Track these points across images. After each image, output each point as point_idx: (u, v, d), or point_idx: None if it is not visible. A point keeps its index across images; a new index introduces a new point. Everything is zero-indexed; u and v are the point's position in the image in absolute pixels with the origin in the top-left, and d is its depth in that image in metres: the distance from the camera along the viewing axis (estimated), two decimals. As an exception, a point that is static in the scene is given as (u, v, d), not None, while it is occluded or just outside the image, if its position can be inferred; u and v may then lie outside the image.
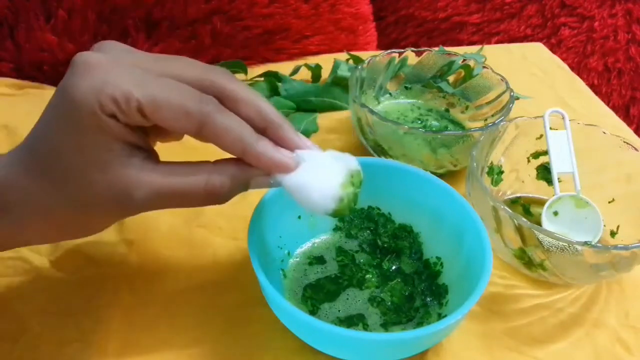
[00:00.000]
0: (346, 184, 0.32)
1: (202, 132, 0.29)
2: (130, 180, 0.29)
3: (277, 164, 0.31)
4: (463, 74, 0.63)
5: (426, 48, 0.63)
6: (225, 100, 0.30)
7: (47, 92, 0.61)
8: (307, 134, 0.61)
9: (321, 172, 0.32)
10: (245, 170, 0.31)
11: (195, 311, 0.42)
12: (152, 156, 0.31)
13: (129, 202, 0.30)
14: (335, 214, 0.33)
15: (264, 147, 0.31)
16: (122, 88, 0.27)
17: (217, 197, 0.31)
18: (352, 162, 0.34)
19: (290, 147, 0.32)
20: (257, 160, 0.30)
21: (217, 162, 0.32)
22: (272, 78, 0.67)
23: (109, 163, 0.29)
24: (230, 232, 0.48)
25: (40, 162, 0.29)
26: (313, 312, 0.41)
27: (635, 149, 0.48)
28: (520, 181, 0.53)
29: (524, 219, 0.41)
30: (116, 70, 0.28)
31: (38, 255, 0.45)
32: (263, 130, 0.32)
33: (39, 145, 0.30)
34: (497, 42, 0.94)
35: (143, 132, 0.30)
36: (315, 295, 0.42)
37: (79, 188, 0.29)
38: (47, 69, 0.68)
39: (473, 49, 0.79)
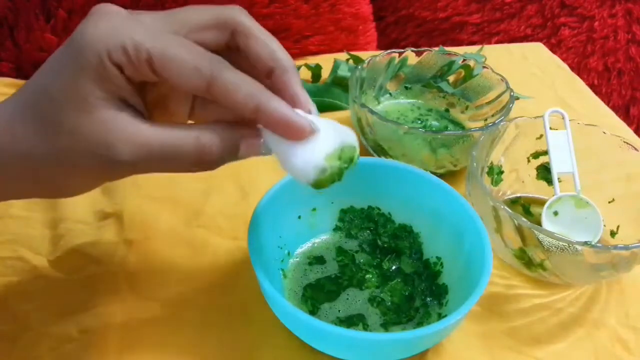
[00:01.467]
0: (332, 157, 0.30)
1: (212, 88, 0.28)
2: (114, 130, 0.27)
3: (292, 123, 0.29)
4: (463, 74, 0.63)
5: (426, 48, 0.63)
6: (237, 36, 0.30)
7: (47, 92, 0.61)
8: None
9: (314, 141, 0.30)
10: (235, 130, 0.30)
11: (195, 310, 0.42)
12: (145, 114, 0.30)
13: (110, 155, 0.28)
14: (316, 184, 0.31)
15: (280, 105, 0.29)
16: (134, 38, 0.27)
17: (207, 157, 0.29)
18: (348, 137, 0.32)
19: (291, 97, 0.31)
20: (271, 115, 0.29)
21: (207, 122, 0.30)
22: (272, 78, 0.67)
23: (98, 110, 0.27)
24: (230, 232, 0.48)
25: (30, 103, 0.28)
26: (313, 312, 0.41)
27: (635, 149, 0.48)
28: (520, 181, 0.53)
29: (524, 219, 0.41)
30: (132, 22, 0.28)
31: (37, 255, 0.45)
32: (268, 73, 0.31)
33: (33, 86, 0.29)
34: (497, 42, 0.94)
35: (144, 99, 0.30)
36: (315, 295, 0.42)
37: (62, 134, 0.28)
38: (47, 69, 0.68)
39: (473, 49, 0.79)
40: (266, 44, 0.31)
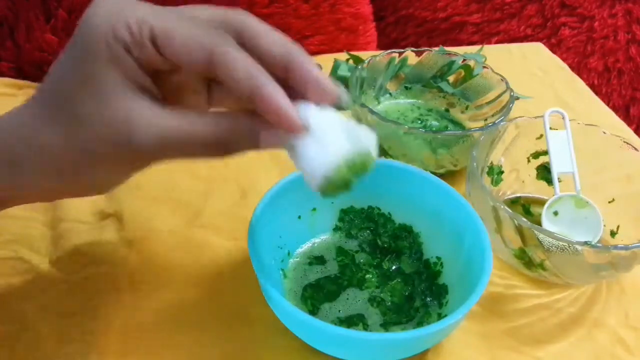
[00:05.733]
0: (342, 168, 0.29)
1: (212, 64, 0.27)
2: (133, 117, 0.27)
3: (284, 116, 0.28)
4: (463, 74, 0.63)
5: (426, 48, 0.63)
6: (244, 36, 0.29)
7: (47, 92, 0.61)
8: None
9: (322, 145, 0.29)
10: (256, 119, 0.29)
11: (195, 311, 0.42)
12: (162, 102, 0.29)
13: (131, 143, 0.27)
14: (322, 193, 0.30)
15: (275, 92, 0.28)
16: (137, 15, 0.27)
17: (225, 145, 0.29)
18: (364, 141, 0.30)
19: (316, 87, 0.29)
20: (266, 103, 0.28)
21: (228, 111, 0.30)
22: (272, 78, 0.67)
23: (114, 96, 0.27)
24: (230, 232, 0.48)
25: (49, 97, 0.29)
26: (313, 312, 0.41)
27: (635, 149, 0.48)
28: (520, 181, 0.53)
29: (524, 219, 0.41)
30: (136, 2, 0.28)
31: (38, 255, 0.45)
32: (285, 66, 0.29)
33: (50, 80, 0.29)
34: (497, 42, 0.94)
35: (156, 82, 0.29)
36: (315, 295, 0.42)
37: (82, 125, 0.27)
38: (47, 69, 0.67)
39: (473, 49, 0.79)
40: (277, 41, 0.30)
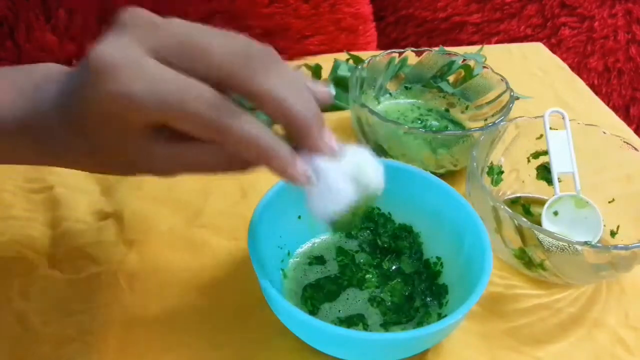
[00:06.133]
0: (346, 214, 0.31)
1: (217, 140, 0.29)
2: (156, 158, 0.31)
3: (291, 178, 0.30)
4: (463, 74, 0.63)
5: (426, 48, 0.63)
6: (247, 98, 0.30)
7: (47, 92, 0.61)
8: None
9: (329, 195, 0.31)
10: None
11: (194, 311, 0.42)
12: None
13: (155, 171, 0.32)
14: (331, 230, 0.35)
15: (279, 157, 0.29)
16: (135, 102, 0.27)
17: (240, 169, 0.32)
18: (369, 187, 0.32)
19: (315, 150, 0.31)
20: (272, 167, 0.30)
21: None
22: (272, 78, 0.67)
23: (136, 148, 0.30)
24: (230, 232, 0.48)
25: (75, 127, 0.30)
26: (313, 312, 0.41)
27: (635, 149, 0.49)
28: (520, 181, 0.53)
29: (524, 219, 0.41)
30: (130, 79, 0.27)
31: (38, 255, 0.45)
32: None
33: (72, 117, 0.30)
34: (497, 42, 0.94)
35: None
36: (315, 295, 0.42)
37: (107, 157, 0.32)
38: (47, 69, 0.67)
39: (473, 49, 0.79)
40: (279, 108, 0.29)
